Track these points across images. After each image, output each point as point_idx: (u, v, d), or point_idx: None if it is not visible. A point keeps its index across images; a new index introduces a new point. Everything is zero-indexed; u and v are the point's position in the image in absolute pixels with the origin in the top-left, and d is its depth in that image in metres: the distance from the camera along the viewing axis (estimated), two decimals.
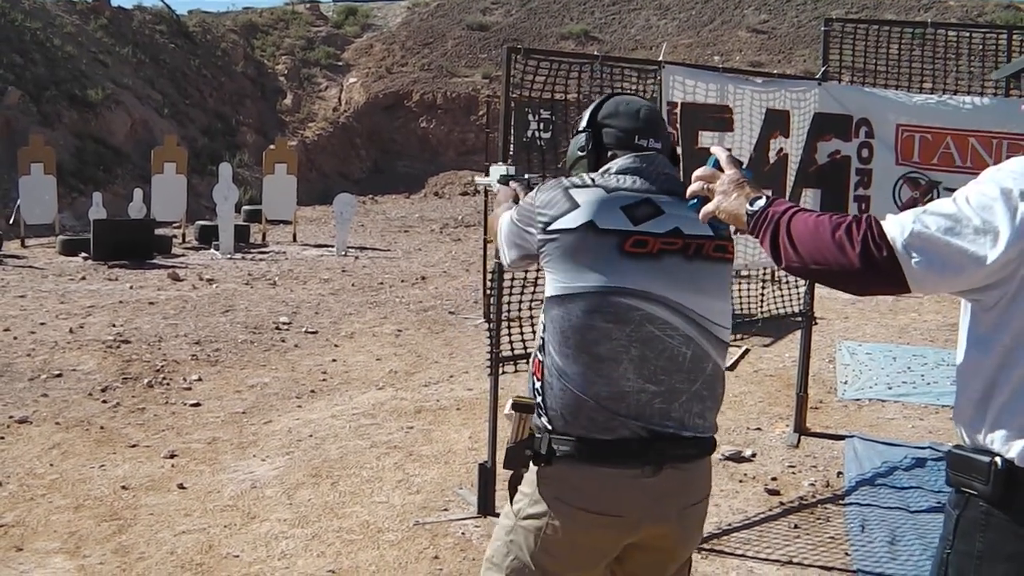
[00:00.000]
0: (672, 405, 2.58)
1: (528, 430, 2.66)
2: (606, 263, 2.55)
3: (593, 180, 2.66)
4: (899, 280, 2.00)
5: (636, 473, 2.54)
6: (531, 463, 2.66)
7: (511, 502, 2.75)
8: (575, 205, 2.59)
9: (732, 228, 2.62)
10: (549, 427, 2.59)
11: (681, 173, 5.36)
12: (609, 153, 2.80)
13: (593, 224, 2.56)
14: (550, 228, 2.61)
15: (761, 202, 2.28)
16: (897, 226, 2.00)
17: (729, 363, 8.93)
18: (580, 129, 2.89)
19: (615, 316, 2.54)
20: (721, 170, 2.44)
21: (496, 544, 2.74)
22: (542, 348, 2.67)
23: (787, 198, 5.84)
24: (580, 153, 2.86)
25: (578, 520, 2.56)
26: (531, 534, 2.62)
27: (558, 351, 2.60)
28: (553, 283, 2.62)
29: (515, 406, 2.66)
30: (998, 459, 2.05)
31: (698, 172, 2.48)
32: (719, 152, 2.49)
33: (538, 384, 2.66)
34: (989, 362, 2.07)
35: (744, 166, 2.48)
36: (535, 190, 2.76)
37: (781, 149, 6.05)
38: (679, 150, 5.47)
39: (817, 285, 6.20)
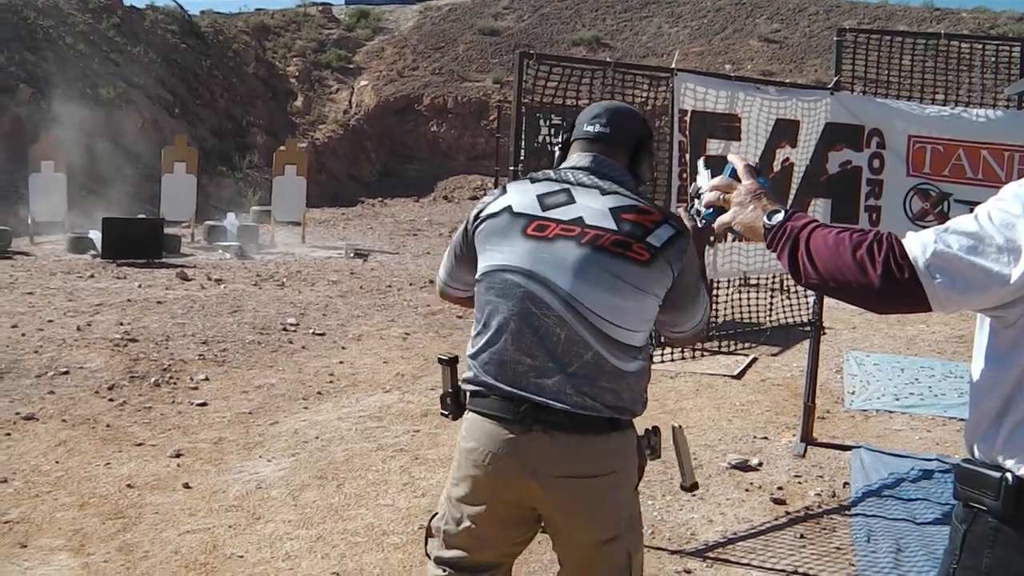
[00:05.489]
0: (546, 381, 2.76)
1: (451, 380, 3.04)
2: (509, 243, 2.84)
3: (531, 177, 3.01)
4: (921, 300, 1.98)
5: (506, 431, 2.79)
6: (458, 411, 3.02)
7: None
8: (504, 192, 2.96)
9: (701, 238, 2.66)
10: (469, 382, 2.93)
11: (688, 181, 5.38)
12: (572, 146, 3.08)
13: (511, 208, 2.88)
14: (481, 214, 2.94)
15: (779, 216, 2.26)
16: (919, 245, 1.98)
17: (736, 372, 8.92)
18: (564, 129, 3.18)
19: (503, 291, 2.82)
20: (738, 180, 2.43)
21: None
22: None
23: (790, 206, 5.82)
24: (556, 150, 3.19)
25: (465, 462, 2.88)
26: (452, 470, 2.97)
27: (475, 322, 2.93)
28: (479, 264, 2.93)
29: (439, 360, 3.10)
30: (1009, 475, 2.03)
31: (714, 181, 2.48)
32: (736, 161, 2.47)
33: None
34: (1007, 379, 2.05)
35: (760, 175, 2.46)
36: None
37: (787, 159, 6.03)
38: (685, 157, 5.48)
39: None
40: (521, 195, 2.90)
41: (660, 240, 2.79)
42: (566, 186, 2.88)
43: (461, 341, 10.20)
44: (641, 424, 2.97)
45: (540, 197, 2.86)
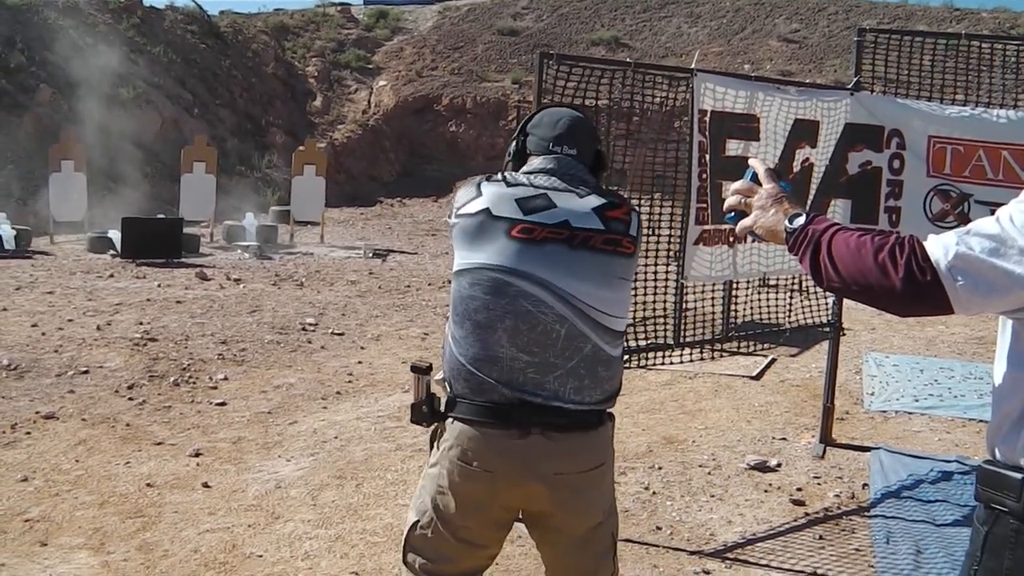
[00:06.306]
0: (546, 377, 2.84)
1: (425, 389, 3.03)
2: (494, 244, 2.88)
3: (503, 177, 3.03)
4: (943, 302, 1.97)
5: (503, 434, 2.83)
6: (432, 418, 3.02)
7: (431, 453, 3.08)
8: (480, 195, 2.97)
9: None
10: (448, 388, 2.96)
11: (707, 181, 5.37)
12: (531, 157, 3.12)
13: (489, 211, 2.92)
14: (459, 212, 2.99)
15: (801, 220, 2.25)
16: (940, 248, 1.96)
17: (755, 372, 8.90)
18: (514, 135, 3.23)
19: (493, 289, 2.86)
20: (759, 184, 2.42)
21: (417, 488, 3.09)
22: (448, 319, 3.03)
23: (809, 207, 5.80)
24: (508, 157, 3.23)
25: (458, 471, 2.88)
26: (432, 480, 2.96)
27: (452, 319, 2.96)
28: (455, 261, 2.99)
29: (412, 368, 3.08)
30: None
31: (735, 185, 2.47)
32: (757, 165, 2.47)
33: (442, 350, 3.03)
34: None
35: (782, 179, 2.45)
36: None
37: (807, 159, 6.01)
38: (705, 157, 5.48)
39: None
40: (498, 199, 2.94)
41: (636, 229, 3.02)
42: (543, 191, 2.96)
43: None
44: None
45: (519, 201, 2.94)
